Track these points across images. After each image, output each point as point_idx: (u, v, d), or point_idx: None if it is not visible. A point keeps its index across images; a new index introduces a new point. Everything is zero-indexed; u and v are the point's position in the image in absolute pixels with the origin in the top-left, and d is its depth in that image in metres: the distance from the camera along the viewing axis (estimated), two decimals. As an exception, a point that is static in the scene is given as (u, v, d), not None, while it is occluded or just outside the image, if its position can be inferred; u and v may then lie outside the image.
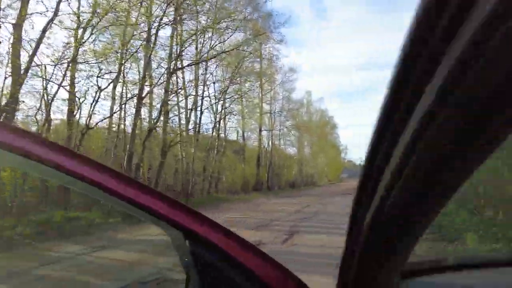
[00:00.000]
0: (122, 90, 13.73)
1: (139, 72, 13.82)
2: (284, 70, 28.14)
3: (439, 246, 6.01)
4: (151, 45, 12.69)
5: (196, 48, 16.57)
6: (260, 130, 26.02)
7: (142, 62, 13.48)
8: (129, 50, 12.68)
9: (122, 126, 14.10)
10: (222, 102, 19.10)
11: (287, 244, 6.41)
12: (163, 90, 13.90)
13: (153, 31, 12.79)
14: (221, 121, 20.65)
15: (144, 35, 12.85)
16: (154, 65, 14.34)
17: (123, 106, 13.56)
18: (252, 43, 18.41)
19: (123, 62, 12.22)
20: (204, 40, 16.79)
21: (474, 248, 5.56)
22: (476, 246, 5.64)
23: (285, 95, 29.73)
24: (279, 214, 11.00)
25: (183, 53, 15.94)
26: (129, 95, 13.74)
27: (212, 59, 16.82)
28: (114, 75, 12.08)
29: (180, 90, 16.49)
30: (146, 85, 13.92)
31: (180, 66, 15.82)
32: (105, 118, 12.26)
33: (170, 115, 15.35)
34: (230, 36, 16.68)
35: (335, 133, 56.76)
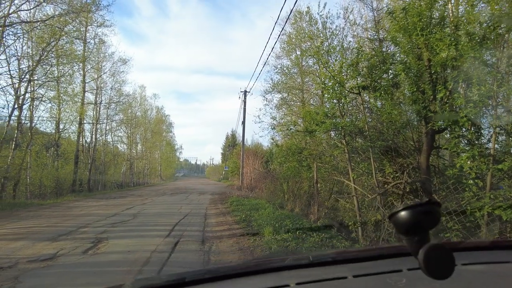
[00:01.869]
0: None
1: None
2: (114, 59, 25.59)
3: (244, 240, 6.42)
4: None
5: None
6: (81, 123, 22.66)
7: None
8: None
9: None
10: (26, 84, 15.45)
11: (88, 254, 5.47)
12: None
13: None
14: (27, 108, 16.78)
15: None
16: None
17: None
18: (71, 21, 15.72)
19: None
20: (1, 1, 13.18)
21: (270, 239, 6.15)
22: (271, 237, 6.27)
23: (114, 86, 27.05)
24: (92, 218, 9.60)
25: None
26: None
27: (13, 29, 13.36)
28: None
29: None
30: None
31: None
32: None
33: None
34: (38, 5, 13.70)
35: (171, 131, 56.19)
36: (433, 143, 5.74)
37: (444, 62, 4.95)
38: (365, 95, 7.44)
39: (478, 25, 4.91)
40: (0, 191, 14.49)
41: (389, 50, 7.59)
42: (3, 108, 18.53)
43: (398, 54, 6.28)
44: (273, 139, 11.97)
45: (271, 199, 14.24)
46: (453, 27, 5.30)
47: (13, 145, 15.43)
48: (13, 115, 15.20)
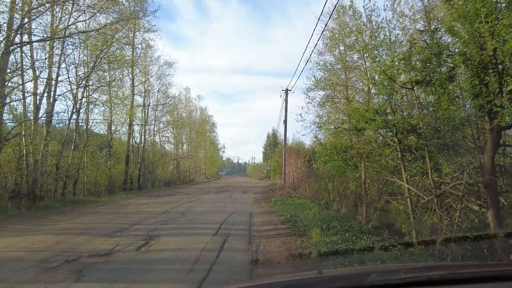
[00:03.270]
0: None
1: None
2: (160, 63, 26.69)
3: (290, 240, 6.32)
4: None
5: (52, 24, 13.94)
6: (131, 124, 23.90)
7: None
8: None
9: None
10: (83, 89, 16.59)
11: (141, 251, 5.71)
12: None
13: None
14: (83, 112, 18.04)
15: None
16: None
17: None
18: (121, 28, 16.61)
19: None
20: (62, 15, 14.27)
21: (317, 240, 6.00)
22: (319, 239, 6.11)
23: (161, 88, 28.21)
24: (143, 216, 10.06)
25: (32, 26, 13.20)
26: None
27: (72, 39, 14.40)
28: None
29: (26, 70, 13.57)
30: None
31: (26, 41, 12.99)
32: None
33: (8, 99, 12.40)
34: (92, 16, 14.61)
35: (214, 131, 57.48)
36: (499, 140, 5.23)
37: (513, 51, 4.47)
38: (416, 89, 7.00)
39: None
40: (62, 189, 15.72)
41: (443, 41, 7.06)
42: (64, 112, 20.12)
43: (455, 45, 5.81)
44: (316, 138, 11.73)
45: (316, 199, 13.98)
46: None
47: (72, 146, 16.67)
48: (72, 118, 16.42)
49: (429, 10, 11.61)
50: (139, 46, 22.84)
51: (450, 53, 5.91)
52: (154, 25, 21.67)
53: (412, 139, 6.98)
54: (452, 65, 5.86)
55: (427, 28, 10.72)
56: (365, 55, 13.27)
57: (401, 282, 0.89)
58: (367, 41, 9.66)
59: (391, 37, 10.63)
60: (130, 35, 21.37)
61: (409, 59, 6.04)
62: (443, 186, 6.21)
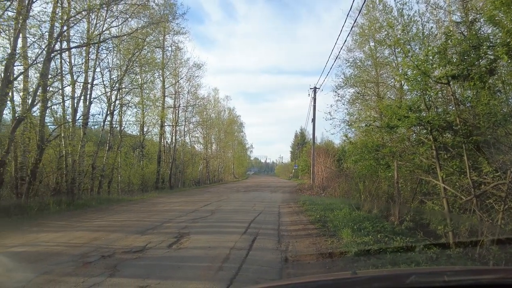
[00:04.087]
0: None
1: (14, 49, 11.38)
2: (189, 65, 27.22)
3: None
4: (21, 16, 10.55)
5: (88, 30, 14.62)
6: (162, 125, 24.56)
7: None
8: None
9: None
10: (116, 92, 17.26)
11: (173, 248, 5.84)
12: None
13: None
14: (117, 114, 18.76)
15: (15, 4, 10.64)
16: (33, 43, 12.03)
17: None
18: (151, 32, 17.11)
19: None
20: (97, 22, 14.94)
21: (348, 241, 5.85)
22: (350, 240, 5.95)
23: (191, 90, 28.78)
24: (174, 214, 10.30)
25: (70, 34, 13.91)
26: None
27: (106, 44, 15.04)
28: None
29: (65, 75, 14.33)
30: (17, 65, 11.61)
31: (65, 47, 13.71)
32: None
33: (50, 103, 13.13)
34: (124, 21, 15.16)
35: (242, 131, 57.84)
36: (547, 137, 4.87)
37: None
38: (453, 84, 6.65)
39: None
40: (98, 188, 16.45)
41: (482, 33, 6.66)
42: (99, 115, 21.08)
43: (497, 36, 5.46)
44: (346, 136, 11.46)
45: (346, 199, 13.69)
46: None
47: (107, 147, 17.40)
48: (106, 120, 17.14)
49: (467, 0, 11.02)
50: (169, 48, 23.42)
51: (490, 44, 5.56)
52: (183, 28, 22.09)
53: (448, 137, 6.65)
54: (493, 57, 5.52)
55: (464, 19, 10.17)
56: (397, 50, 12.82)
57: (444, 285, 0.80)
58: (398, 35, 9.33)
59: (424, 30, 10.20)
60: (160, 38, 21.98)
61: (444, 53, 5.76)
62: (483, 186, 5.86)
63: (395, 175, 8.86)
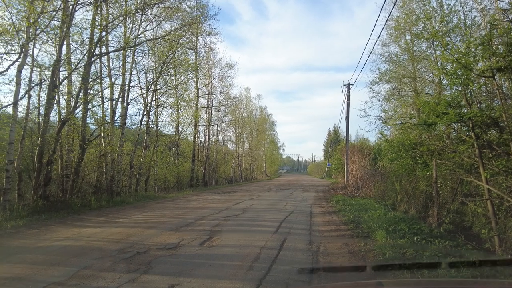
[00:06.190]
0: (31, 75, 12.04)
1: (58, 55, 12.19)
2: (221, 65, 27.61)
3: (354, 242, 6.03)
4: (65, 25, 11.21)
5: (125, 34, 15.27)
6: (196, 125, 25.12)
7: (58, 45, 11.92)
8: (40, 28, 11.10)
9: (34, 116, 12.35)
10: (152, 93, 17.87)
11: (205, 246, 5.95)
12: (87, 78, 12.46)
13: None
14: (153, 114, 19.45)
15: (60, 13, 11.35)
16: (76, 49, 12.79)
17: (30, 93, 11.75)
18: (184, 34, 17.52)
19: (28, 41, 10.57)
20: (133, 26, 15.55)
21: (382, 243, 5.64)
22: (385, 242, 5.73)
23: (223, 90, 29.20)
24: (207, 212, 10.49)
25: (109, 39, 14.60)
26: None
27: (141, 47, 15.62)
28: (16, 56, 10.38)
29: (104, 78, 15.08)
30: (62, 71, 12.37)
31: (104, 52, 14.42)
32: (3, 107, 10.52)
33: (91, 105, 13.85)
34: (158, 24, 15.65)
35: (274, 129, 57.80)
36: None
37: None
38: (498, 78, 6.19)
39: None
40: (135, 185, 17.15)
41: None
42: (136, 115, 21.96)
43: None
44: (381, 134, 11.05)
45: (381, 199, 13.24)
46: None
47: (144, 146, 18.09)
48: (143, 120, 17.81)
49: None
50: (202, 50, 23.92)
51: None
52: (215, 28, 22.68)
53: (492, 134, 6.22)
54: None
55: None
56: (435, 43, 12.17)
57: None
58: (437, 27, 8.83)
59: (466, 21, 9.59)
60: (193, 40, 22.46)
61: (488, 44, 5.37)
62: (533, 187, 5.43)
63: (433, 174, 8.43)
